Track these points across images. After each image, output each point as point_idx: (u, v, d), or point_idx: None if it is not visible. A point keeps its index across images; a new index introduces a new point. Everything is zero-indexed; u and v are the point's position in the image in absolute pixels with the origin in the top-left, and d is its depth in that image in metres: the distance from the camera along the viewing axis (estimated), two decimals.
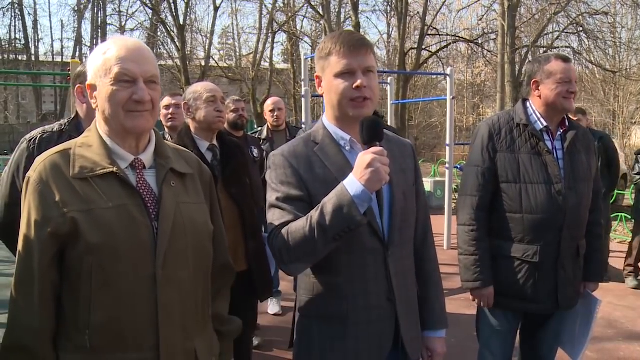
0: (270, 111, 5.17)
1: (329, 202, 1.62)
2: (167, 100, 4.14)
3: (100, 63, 1.54)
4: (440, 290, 2.08)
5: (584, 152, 2.67)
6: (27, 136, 2.41)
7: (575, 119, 5.67)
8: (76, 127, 2.38)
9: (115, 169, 1.52)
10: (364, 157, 1.60)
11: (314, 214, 1.63)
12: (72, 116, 2.49)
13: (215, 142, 2.87)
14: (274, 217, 1.75)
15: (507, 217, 2.59)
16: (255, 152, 4.74)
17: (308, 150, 1.81)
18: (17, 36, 37.22)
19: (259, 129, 5.44)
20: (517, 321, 2.74)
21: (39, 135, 2.38)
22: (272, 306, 5.15)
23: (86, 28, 38.81)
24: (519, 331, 2.81)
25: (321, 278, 1.82)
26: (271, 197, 1.79)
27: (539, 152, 2.58)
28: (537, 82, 2.66)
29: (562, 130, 2.65)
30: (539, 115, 2.64)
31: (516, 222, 2.57)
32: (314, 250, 1.65)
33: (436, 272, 2.08)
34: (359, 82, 1.71)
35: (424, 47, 25.70)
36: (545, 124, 2.62)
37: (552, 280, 2.56)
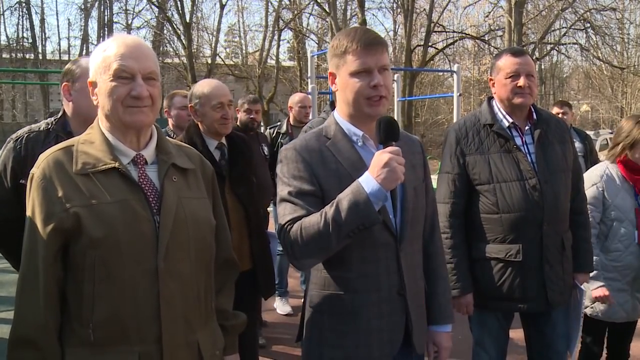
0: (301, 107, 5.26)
1: (345, 198, 1.62)
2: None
3: (100, 60, 1.57)
4: (446, 285, 2.09)
5: (558, 142, 2.59)
6: (14, 135, 2.34)
7: (561, 111, 5.58)
8: (62, 126, 2.31)
9: (117, 165, 1.54)
10: (381, 156, 1.61)
11: (329, 209, 1.63)
12: (59, 115, 2.40)
13: (223, 140, 2.86)
14: (286, 211, 1.74)
15: (485, 218, 2.53)
16: (266, 150, 4.73)
17: (320, 145, 1.82)
18: (25, 35, 37.41)
19: (278, 122, 5.47)
20: (508, 320, 2.68)
21: (26, 135, 2.31)
22: (282, 306, 5.16)
23: (93, 26, 38.94)
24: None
25: (333, 272, 1.82)
26: (282, 191, 1.78)
27: (509, 150, 2.51)
28: (492, 79, 2.62)
29: (530, 124, 2.58)
30: (504, 113, 2.57)
31: (495, 223, 2.51)
32: (327, 246, 1.66)
33: (443, 267, 2.09)
34: (376, 81, 1.72)
35: (430, 44, 25.69)
36: (511, 120, 2.55)
37: (539, 277, 2.49)
